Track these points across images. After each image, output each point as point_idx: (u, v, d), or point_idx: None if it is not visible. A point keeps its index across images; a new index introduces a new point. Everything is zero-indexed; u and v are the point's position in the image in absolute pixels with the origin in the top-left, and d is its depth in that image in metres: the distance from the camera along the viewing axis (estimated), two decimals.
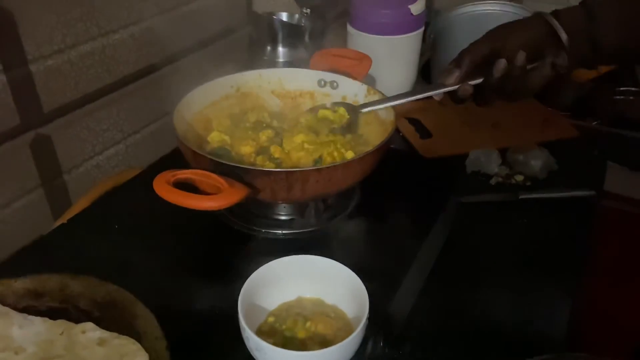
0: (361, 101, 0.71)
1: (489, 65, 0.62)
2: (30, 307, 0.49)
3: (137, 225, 0.64)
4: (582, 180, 0.79)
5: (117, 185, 0.72)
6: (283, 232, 0.64)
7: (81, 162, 0.75)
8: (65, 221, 0.65)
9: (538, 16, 0.64)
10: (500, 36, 0.63)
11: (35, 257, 0.59)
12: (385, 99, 0.68)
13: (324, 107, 0.71)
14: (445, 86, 0.64)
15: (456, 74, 0.63)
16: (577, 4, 0.64)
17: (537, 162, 0.81)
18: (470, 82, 0.63)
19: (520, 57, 0.61)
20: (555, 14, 0.63)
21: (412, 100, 0.67)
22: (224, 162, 0.55)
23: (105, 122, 0.76)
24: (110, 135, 0.78)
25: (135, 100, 0.80)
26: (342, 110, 0.69)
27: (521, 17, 1.02)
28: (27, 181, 0.69)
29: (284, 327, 0.49)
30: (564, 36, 0.61)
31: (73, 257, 0.58)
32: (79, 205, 0.69)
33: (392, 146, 0.64)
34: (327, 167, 0.55)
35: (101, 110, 0.75)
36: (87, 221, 0.65)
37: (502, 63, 0.61)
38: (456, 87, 0.63)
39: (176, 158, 0.63)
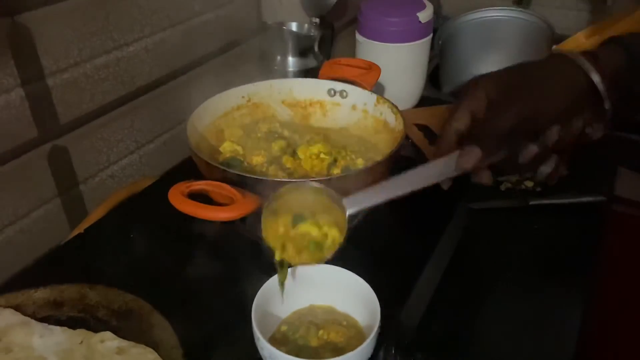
0: (370, 110, 0.72)
1: (512, 137, 0.51)
2: (50, 316, 0.50)
3: (152, 234, 0.66)
4: (592, 185, 0.79)
5: (132, 194, 0.74)
6: None
7: (96, 172, 0.76)
8: (82, 231, 0.67)
9: (572, 65, 0.52)
10: (530, 100, 0.51)
11: (53, 267, 0.61)
12: (377, 194, 0.52)
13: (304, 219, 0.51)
14: (464, 170, 0.52)
15: (477, 155, 0.51)
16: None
17: (546, 167, 0.80)
18: (491, 161, 0.53)
19: (552, 136, 0.51)
20: (593, 56, 0.52)
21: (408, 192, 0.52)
22: (236, 172, 0.56)
23: (120, 133, 0.78)
24: (125, 146, 0.79)
25: (148, 111, 0.81)
26: (333, 232, 0.51)
27: (528, 23, 1.03)
28: (45, 192, 0.70)
29: (296, 335, 0.49)
30: (607, 104, 0.52)
31: (90, 267, 0.59)
32: (95, 214, 0.70)
33: (401, 153, 0.65)
34: (337, 178, 0.56)
35: (116, 121, 0.77)
36: (103, 231, 0.67)
37: (532, 151, 0.52)
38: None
39: (189, 167, 0.64)
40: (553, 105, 0.51)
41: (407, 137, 0.91)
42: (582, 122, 0.53)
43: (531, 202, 0.76)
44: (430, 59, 1.02)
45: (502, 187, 0.81)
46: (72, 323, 0.49)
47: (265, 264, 0.60)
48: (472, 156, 0.52)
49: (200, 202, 0.53)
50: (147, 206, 0.70)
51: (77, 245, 0.64)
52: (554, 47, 1.07)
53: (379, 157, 0.60)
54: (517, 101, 0.51)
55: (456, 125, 0.55)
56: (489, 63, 1.02)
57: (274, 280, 0.52)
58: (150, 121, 0.82)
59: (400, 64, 0.91)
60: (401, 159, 0.66)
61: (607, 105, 0.52)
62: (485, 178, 0.55)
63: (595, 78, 0.51)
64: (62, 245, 0.66)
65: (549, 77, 0.53)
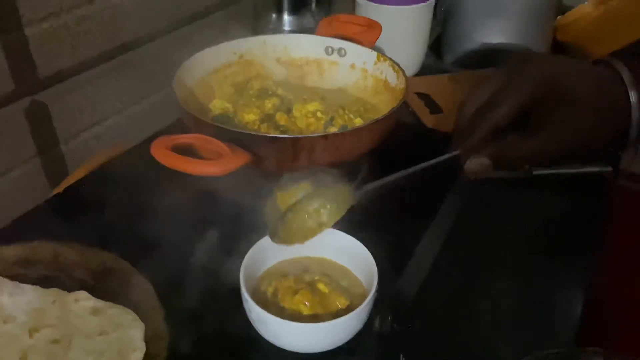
0: (370, 69, 0.68)
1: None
2: (21, 275, 0.46)
3: (136, 196, 0.61)
4: (598, 156, 0.76)
5: (117, 155, 0.70)
6: None
7: (79, 132, 0.72)
8: (61, 191, 0.63)
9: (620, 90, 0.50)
10: (575, 139, 0.52)
11: (28, 226, 0.57)
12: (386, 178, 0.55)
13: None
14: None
15: (487, 166, 0.55)
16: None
17: None
18: None
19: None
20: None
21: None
22: (226, 127, 0.53)
23: (104, 91, 0.74)
24: (110, 105, 0.75)
25: (135, 70, 0.77)
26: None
27: None
28: (23, 150, 0.67)
29: (288, 298, 0.46)
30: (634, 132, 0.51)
31: (68, 226, 0.55)
32: (76, 175, 0.66)
33: (401, 119, 0.62)
34: (335, 134, 0.53)
35: (100, 79, 0.72)
36: (84, 191, 0.63)
37: None
38: None
39: (178, 130, 0.60)
40: (590, 144, 0.52)
41: (406, 105, 0.88)
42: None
43: (535, 172, 0.73)
44: (433, 28, 0.99)
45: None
46: (45, 282, 0.46)
47: (255, 226, 0.57)
48: (481, 167, 0.54)
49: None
50: (132, 167, 0.66)
51: (54, 205, 0.60)
52: (559, 17, 1.04)
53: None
54: (559, 135, 0.51)
55: (499, 118, 0.51)
56: (493, 32, 0.98)
57: (264, 242, 0.48)
58: (137, 81, 0.78)
59: (401, 28, 0.87)
60: (401, 126, 0.62)
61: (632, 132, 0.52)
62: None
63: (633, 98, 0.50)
64: (39, 205, 0.62)
65: (599, 109, 0.51)
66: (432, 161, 0.55)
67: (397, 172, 0.54)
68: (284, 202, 0.46)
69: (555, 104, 0.50)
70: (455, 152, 0.55)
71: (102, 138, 0.75)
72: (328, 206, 0.49)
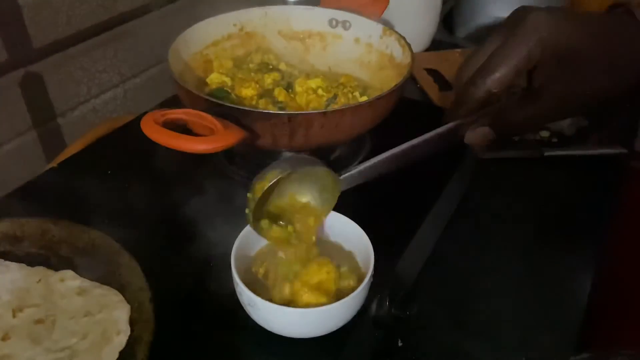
0: (375, 44, 0.65)
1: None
2: (7, 252, 0.45)
3: (130, 172, 0.60)
4: (612, 137, 0.73)
5: (114, 129, 0.68)
6: None
7: (76, 105, 0.71)
8: (55, 165, 0.61)
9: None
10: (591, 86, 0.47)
11: (18, 201, 0.55)
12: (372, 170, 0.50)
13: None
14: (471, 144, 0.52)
15: (488, 137, 0.50)
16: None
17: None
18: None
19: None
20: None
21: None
22: (221, 102, 0.50)
23: (102, 63, 0.72)
24: (107, 78, 0.73)
25: (133, 41, 0.75)
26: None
27: None
28: (18, 123, 0.65)
29: (280, 281, 0.44)
30: None
31: (59, 203, 0.54)
32: (72, 149, 0.65)
33: (407, 96, 0.59)
34: (334, 111, 0.50)
35: (97, 50, 0.70)
36: (78, 166, 0.61)
37: None
38: None
39: (178, 105, 0.58)
40: (600, 100, 0.47)
41: (414, 81, 0.85)
42: None
43: (546, 153, 0.71)
44: (445, 1, 0.95)
45: (515, 137, 0.75)
46: (31, 260, 0.44)
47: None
48: (482, 137, 0.50)
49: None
50: (128, 142, 0.65)
51: (47, 180, 0.59)
52: None
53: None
54: (576, 84, 0.46)
55: (493, 85, 0.47)
56: (507, 5, 0.94)
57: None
58: (136, 53, 0.76)
59: (411, 0, 0.84)
60: (407, 103, 0.60)
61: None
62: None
63: None
64: (32, 180, 0.61)
65: (611, 65, 0.46)
66: (428, 135, 0.51)
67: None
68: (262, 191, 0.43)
69: (555, 64, 0.46)
70: (452, 124, 0.51)
71: (100, 111, 0.74)
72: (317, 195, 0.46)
